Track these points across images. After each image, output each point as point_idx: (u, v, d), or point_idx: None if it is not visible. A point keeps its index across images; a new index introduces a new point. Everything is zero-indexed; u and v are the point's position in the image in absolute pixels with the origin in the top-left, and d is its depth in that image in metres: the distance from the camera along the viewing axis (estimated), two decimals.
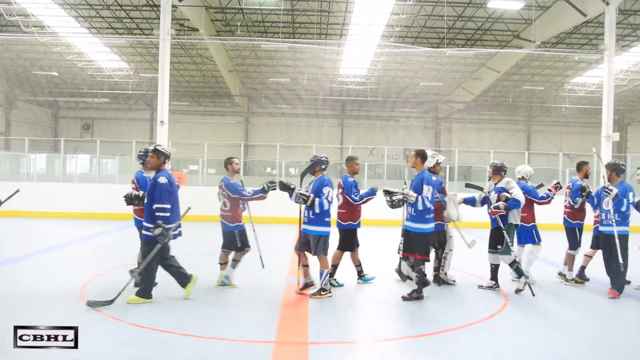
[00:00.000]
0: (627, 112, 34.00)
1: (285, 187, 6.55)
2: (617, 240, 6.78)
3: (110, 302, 5.73)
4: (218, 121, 34.99)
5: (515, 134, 35.52)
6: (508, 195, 6.98)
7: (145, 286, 6.00)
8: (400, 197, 6.45)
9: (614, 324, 6.03)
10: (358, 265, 7.57)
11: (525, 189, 7.60)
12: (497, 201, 7.04)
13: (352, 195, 7.21)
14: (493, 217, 7.09)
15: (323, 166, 6.76)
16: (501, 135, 34.87)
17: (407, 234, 6.54)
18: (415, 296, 6.47)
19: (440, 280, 7.53)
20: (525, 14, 19.19)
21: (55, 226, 14.34)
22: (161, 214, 5.87)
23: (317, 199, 6.42)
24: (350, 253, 7.47)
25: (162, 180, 5.92)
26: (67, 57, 25.28)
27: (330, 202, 6.55)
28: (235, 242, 6.89)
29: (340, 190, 7.36)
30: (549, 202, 7.79)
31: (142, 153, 7.02)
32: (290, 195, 6.54)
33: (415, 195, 6.33)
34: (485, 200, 7.36)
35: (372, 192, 7.49)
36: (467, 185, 7.69)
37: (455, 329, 5.41)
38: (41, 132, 32.94)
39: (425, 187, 6.34)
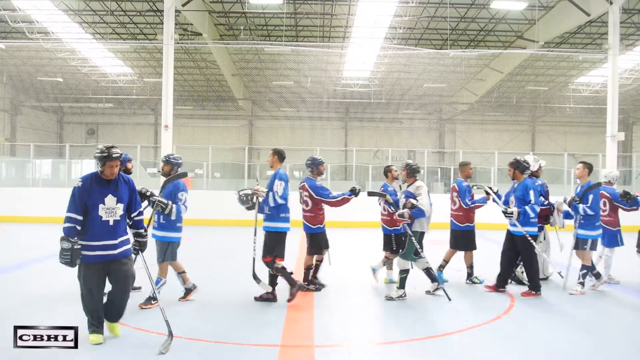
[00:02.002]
0: (632, 111, 33.85)
1: (143, 196, 5.69)
2: (532, 242, 6.76)
3: None
4: (222, 125, 35.08)
5: (520, 134, 35.42)
6: (414, 202, 6.52)
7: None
8: (249, 192, 6.31)
9: (621, 325, 5.99)
10: (470, 266, 7.69)
11: (613, 195, 7.49)
12: (403, 207, 6.60)
13: (466, 200, 7.47)
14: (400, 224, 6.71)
15: (178, 169, 6.32)
16: (505, 136, 34.77)
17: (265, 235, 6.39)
18: (265, 297, 6.31)
19: (517, 280, 7.55)
20: (529, 14, 19.16)
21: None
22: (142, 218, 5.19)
23: (174, 206, 5.92)
24: (464, 253, 7.64)
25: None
26: (72, 63, 25.41)
27: (187, 208, 6.09)
28: (391, 243, 7.28)
29: (455, 194, 7.60)
30: (637, 209, 7.53)
31: (310, 162, 7.11)
32: (149, 203, 5.91)
33: (265, 191, 6.24)
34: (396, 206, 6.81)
35: (483, 200, 7.59)
36: (370, 194, 7.15)
37: (461, 331, 5.39)
38: (46, 137, 33.12)
39: (276, 182, 6.24)
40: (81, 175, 4.90)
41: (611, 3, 15.41)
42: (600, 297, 7.02)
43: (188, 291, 6.37)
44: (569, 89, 30.04)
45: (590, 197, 6.97)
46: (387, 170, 7.59)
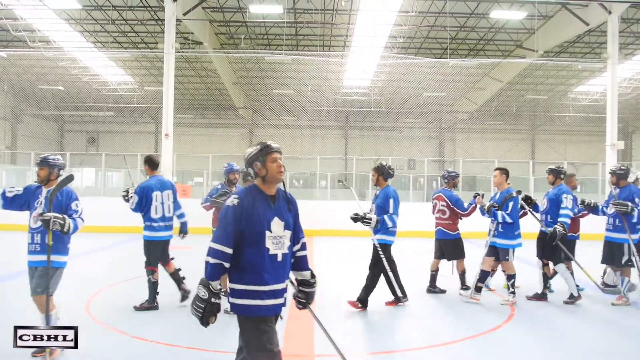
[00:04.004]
0: (631, 120, 33.95)
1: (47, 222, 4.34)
2: (380, 252, 6.47)
3: None
4: (222, 133, 35.17)
5: (520, 143, 35.49)
6: None
7: None
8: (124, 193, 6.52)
9: (619, 334, 5.96)
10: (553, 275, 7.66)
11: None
12: None
13: (575, 209, 7.33)
14: None
15: (60, 172, 4.90)
16: (505, 145, 34.84)
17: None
18: (146, 306, 6.22)
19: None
20: (528, 24, 19.25)
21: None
22: None
23: (70, 221, 4.55)
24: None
25: None
26: (73, 72, 25.53)
27: (83, 220, 4.87)
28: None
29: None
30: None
31: (447, 174, 7.60)
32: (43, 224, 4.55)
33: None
34: None
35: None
36: (213, 202, 6.98)
37: (462, 340, 5.37)
38: (47, 145, 33.18)
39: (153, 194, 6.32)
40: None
41: (610, 12, 15.49)
42: (601, 307, 7.00)
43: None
44: (569, 98, 30.14)
45: (510, 204, 6.74)
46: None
